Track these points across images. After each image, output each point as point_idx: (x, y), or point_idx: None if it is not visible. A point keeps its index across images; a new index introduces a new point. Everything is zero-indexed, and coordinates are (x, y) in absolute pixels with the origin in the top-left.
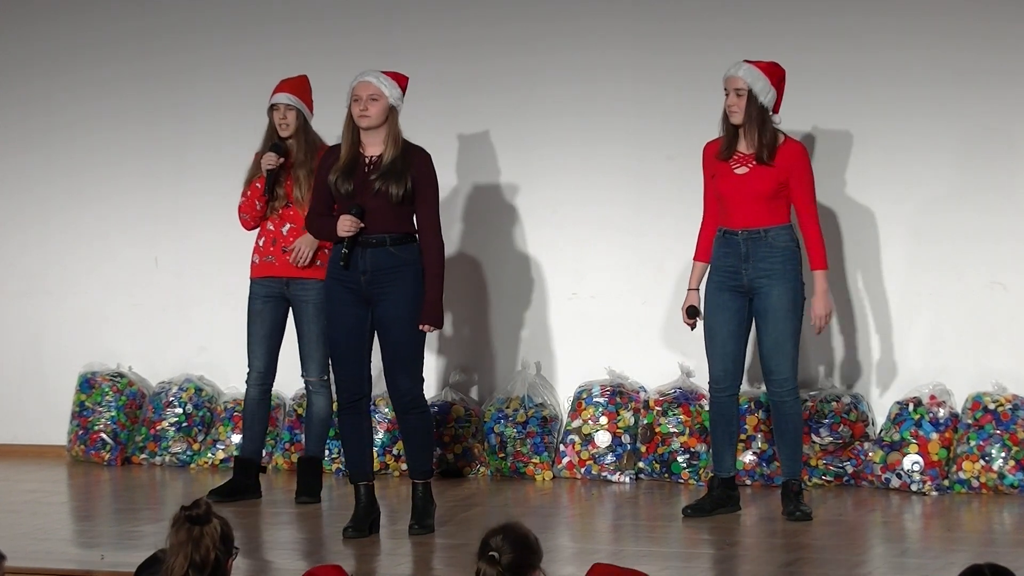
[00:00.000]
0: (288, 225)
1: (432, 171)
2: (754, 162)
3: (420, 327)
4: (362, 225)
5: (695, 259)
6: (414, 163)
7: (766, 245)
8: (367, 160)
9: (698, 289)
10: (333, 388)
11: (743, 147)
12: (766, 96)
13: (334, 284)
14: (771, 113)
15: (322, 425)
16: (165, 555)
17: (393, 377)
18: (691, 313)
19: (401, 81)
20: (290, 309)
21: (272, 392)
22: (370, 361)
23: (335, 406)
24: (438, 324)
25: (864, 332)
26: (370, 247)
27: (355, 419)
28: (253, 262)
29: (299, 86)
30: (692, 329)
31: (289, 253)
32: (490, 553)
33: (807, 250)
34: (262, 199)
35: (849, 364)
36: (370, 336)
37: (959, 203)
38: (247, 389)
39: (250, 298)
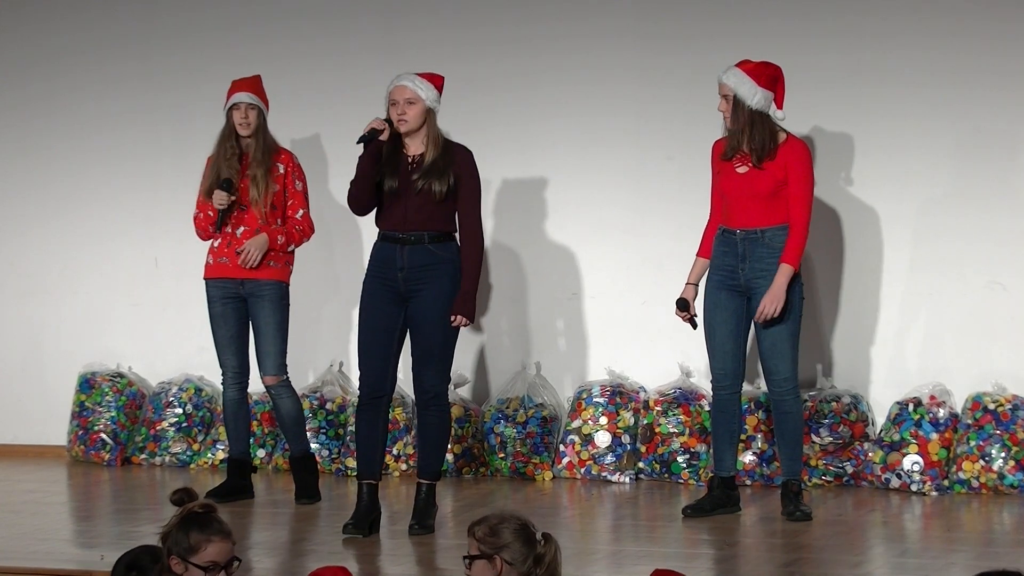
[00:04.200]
0: (243, 228)
1: (474, 168)
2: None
3: (452, 319)
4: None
5: (697, 254)
6: (456, 160)
7: (763, 245)
8: (410, 159)
9: (696, 284)
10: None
11: (744, 147)
12: (753, 99)
13: (373, 280)
14: (770, 111)
15: (296, 424)
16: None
17: (420, 372)
18: (681, 306)
19: (436, 82)
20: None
21: (249, 390)
22: (397, 362)
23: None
24: (470, 317)
25: (864, 332)
26: (409, 244)
27: (373, 416)
28: (207, 263)
29: (257, 85)
30: (693, 327)
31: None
32: (543, 534)
33: (786, 242)
34: (214, 228)
35: (849, 364)
36: (400, 336)
37: (960, 203)
38: (224, 391)
39: (209, 301)
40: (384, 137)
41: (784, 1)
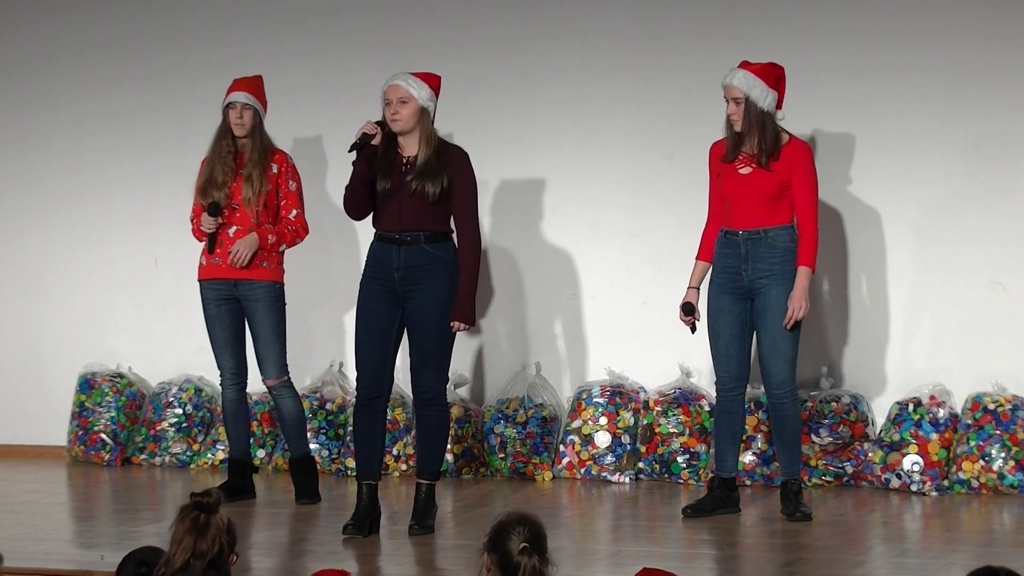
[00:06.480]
0: (235, 227)
1: (469, 169)
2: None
3: (451, 324)
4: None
5: (697, 258)
6: (451, 162)
7: (766, 245)
8: (404, 160)
9: (698, 288)
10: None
11: (748, 148)
12: (764, 100)
13: (369, 281)
14: (775, 111)
15: (297, 425)
16: (135, 556)
17: (418, 372)
18: (686, 310)
19: (432, 81)
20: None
21: (248, 390)
22: (394, 362)
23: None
24: (469, 321)
25: (864, 332)
26: (405, 245)
27: (370, 417)
28: (200, 264)
29: (256, 85)
30: (692, 331)
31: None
32: (523, 545)
33: (798, 245)
34: (209, 251)
35: (849, 364)
36: (397, 337)
37: (961, 204)
38: (223, 392)
39: (203, 303)
40: (376, 141)
41: (784, 1)
